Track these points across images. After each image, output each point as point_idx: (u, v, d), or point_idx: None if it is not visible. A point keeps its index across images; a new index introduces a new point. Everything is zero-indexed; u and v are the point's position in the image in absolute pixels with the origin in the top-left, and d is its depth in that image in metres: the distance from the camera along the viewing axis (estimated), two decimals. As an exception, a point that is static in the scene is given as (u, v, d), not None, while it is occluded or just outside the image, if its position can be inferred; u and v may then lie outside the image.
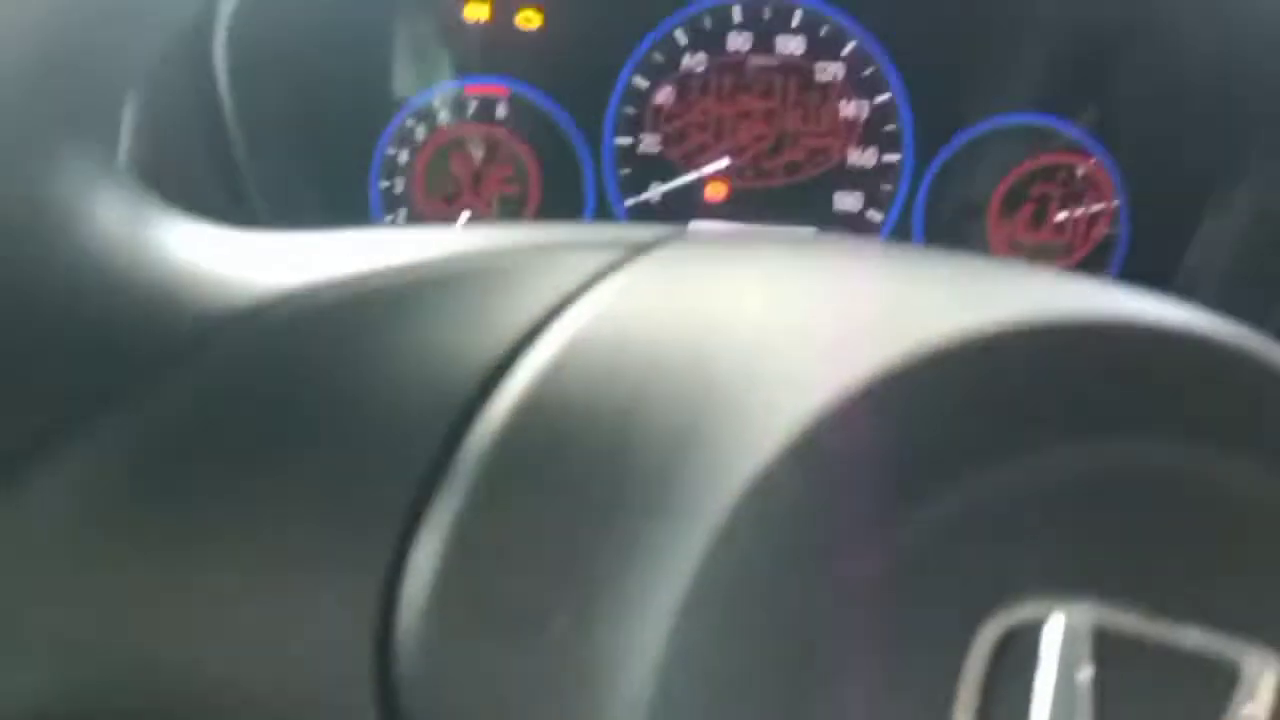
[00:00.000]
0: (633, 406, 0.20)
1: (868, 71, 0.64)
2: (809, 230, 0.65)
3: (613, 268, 0.24)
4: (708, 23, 0.64)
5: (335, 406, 0.21)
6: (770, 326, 0.22)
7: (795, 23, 0.64)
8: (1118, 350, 0.19)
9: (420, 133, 0.64)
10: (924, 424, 0.19)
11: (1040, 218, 0.64)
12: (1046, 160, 0.64)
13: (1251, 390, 0.19)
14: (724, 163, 0.64)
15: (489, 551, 0.20)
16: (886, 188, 0.65)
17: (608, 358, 0.21)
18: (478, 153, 0.64)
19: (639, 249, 0.24)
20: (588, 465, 0.20)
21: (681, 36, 0.64)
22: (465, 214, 0.65)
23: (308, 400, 0.22)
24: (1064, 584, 0.18)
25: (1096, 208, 0.64)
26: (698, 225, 0.65)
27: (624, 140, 0.65)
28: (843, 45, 0.64)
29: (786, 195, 0.65)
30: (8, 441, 0.20)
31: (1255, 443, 0.19)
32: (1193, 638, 0.18)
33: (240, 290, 0.21)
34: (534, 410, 0.21)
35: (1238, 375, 0.19)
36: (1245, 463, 0.19)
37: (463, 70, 0.63)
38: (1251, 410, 0.19)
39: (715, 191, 0.65)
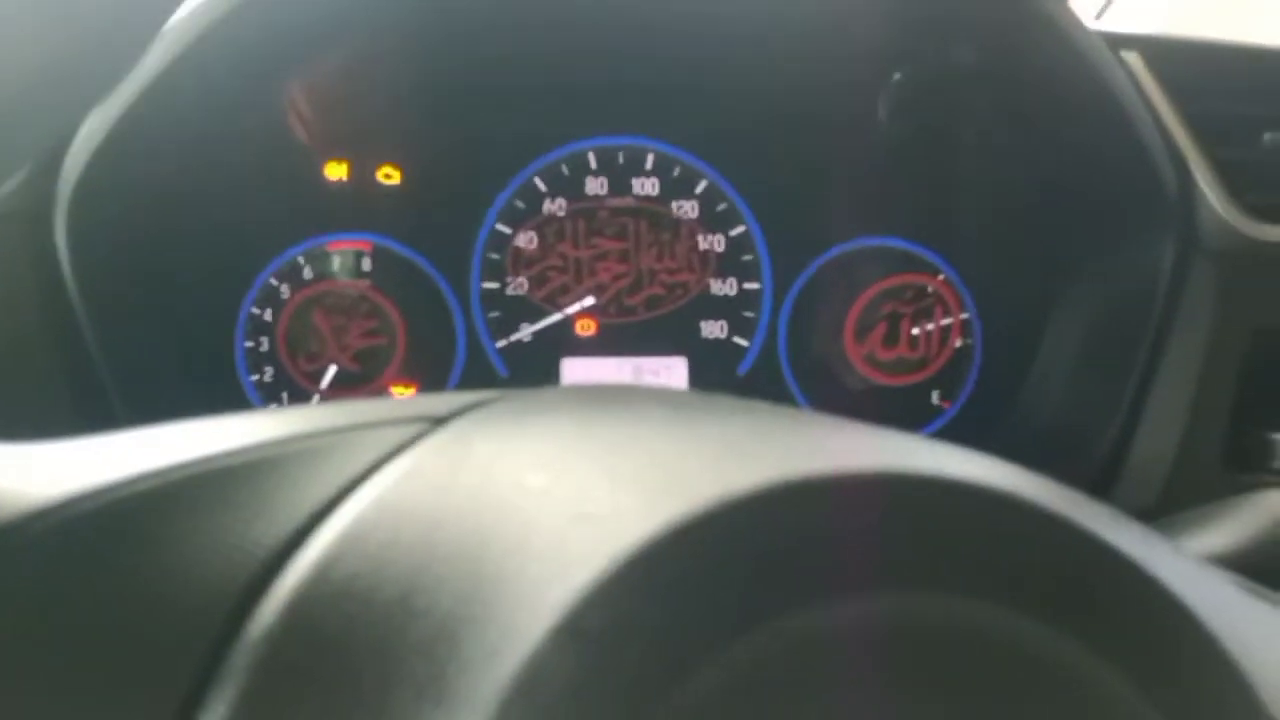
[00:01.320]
0: (406, 594, 0.20)
1: (721, 207, 0.67)
2: (677, 367, 0.66)
3: (400, 448, 0.24)
4: (565, 169, 0.66)
5: (102, 612, 0.21)
6: (546, 499, 0.22)
7: (649, 165, 0.67)
8: (874, 505, 0.20)
9: (284, 291, 0.64)
10: (680, 595, 0.19)
11: (894, 334, 0.67)
12: (896, 280, 0.67)
13: (1017, 540, 0.20)
14: (589, 301, 0.66)
15: None
16: (749, 314, 0.67)
17: (383, 546, 0.21)
18: (341, 308, 0.64)
19: (434, 422, 0.25)
20: (360, 658, 0.20)
21: (540, 183, 0.66)
22: (330, 369, 0.65)
23: (74, 609, 0.21)
24: None
25: (946, 321, 0.67)
26: (566, 371, 0.66)
27: (491, 285, 0.66)
28: (695, 184, 0.67)
29: (654, 326, 0.67)
30: None
31: (1020, 593, 0.20)
32: None
33: (8, 502, 0.21)
34: (307, 603, 0.21)
35: (1013, 529, 0.20)
36: (1015, 613, 0.20)
37: (325, 227, 0.64)
38: (1016, 560, 0.20)
39: (585, 328, 0.66)
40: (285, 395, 0.64)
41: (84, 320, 0.51)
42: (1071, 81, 0.55)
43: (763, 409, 0.28)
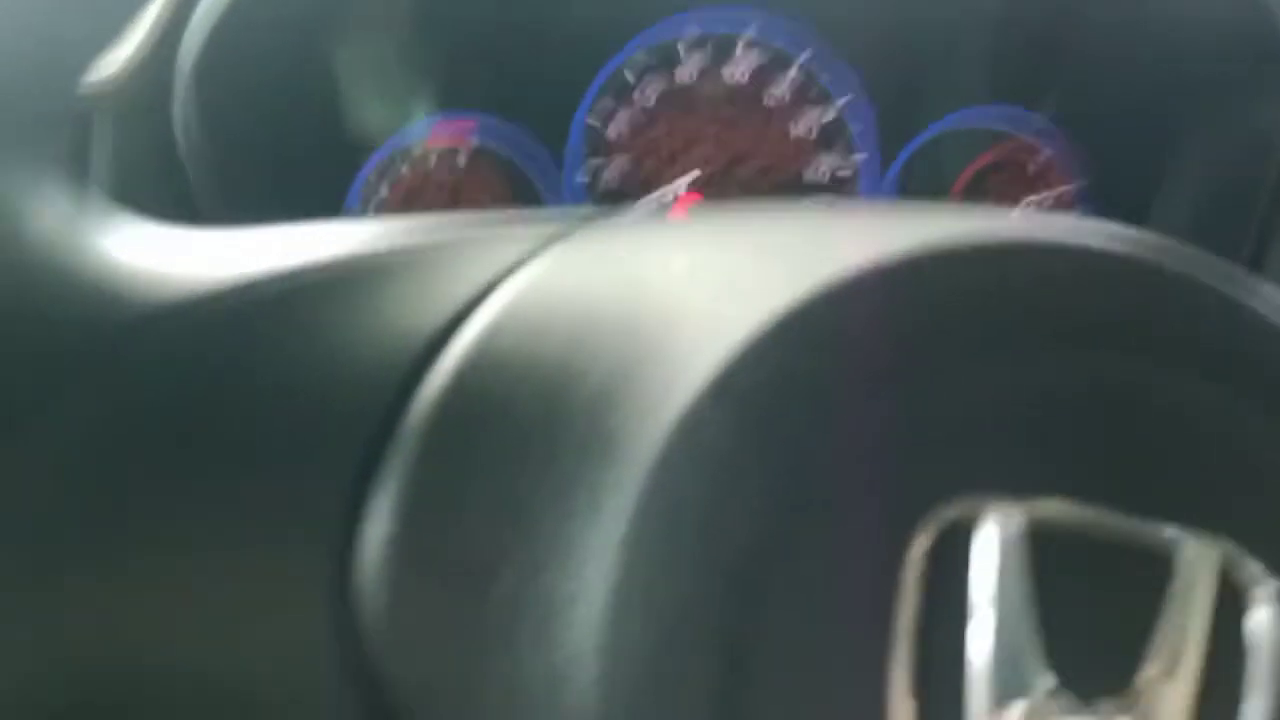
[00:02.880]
0: (566, 359, 0.21)
1: (825, 78, 0.65)
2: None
3: (550, 239, 0.25)
4: (660, 49, 0.65)
5: (277, 389, 0.22)
6: (693, 276, 0.23)
7: (750, 35, 0.65)
8: (1050, 268, 0.21)
9: (383, 189, 0.64)
10: (843, 347, 0.20)
11: (1004, 207, 0.65)
12: (1002, 152, 0.65)
13: (1190, 306, 0.21)
14: (684, 184, 0.65)
15: (437, 512, 0.21)
16: (853, 193, 0.66)
17: (539, 322, 0.23)
18: (446, 187, 0.65)
19: (569, 228, 0.26)
20: (525, 420, 0.21)
21: (636, 64, 0.65)
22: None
23: (249, 385, 0.23)
24: (997, 486, 0.19)
25: (1055, 191, 0.65)
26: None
27: (585, 174, 0.65)
28: (798, 55, 0.65)
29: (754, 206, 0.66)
30: None
31: (1191, 355, 0.20)
32: (1127, 527, 0.19)
33: (179, 285, 0.22)
34: (472, 372, 0.23)
35: (1178, 292, 0.21)
36: (1184, 375, 0.20)
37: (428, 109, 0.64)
38: (1189, 325, 0.20)
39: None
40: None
41: (199, 176, 0.52)
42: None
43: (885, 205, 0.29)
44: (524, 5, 0.62)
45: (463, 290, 0.23)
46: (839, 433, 0.19)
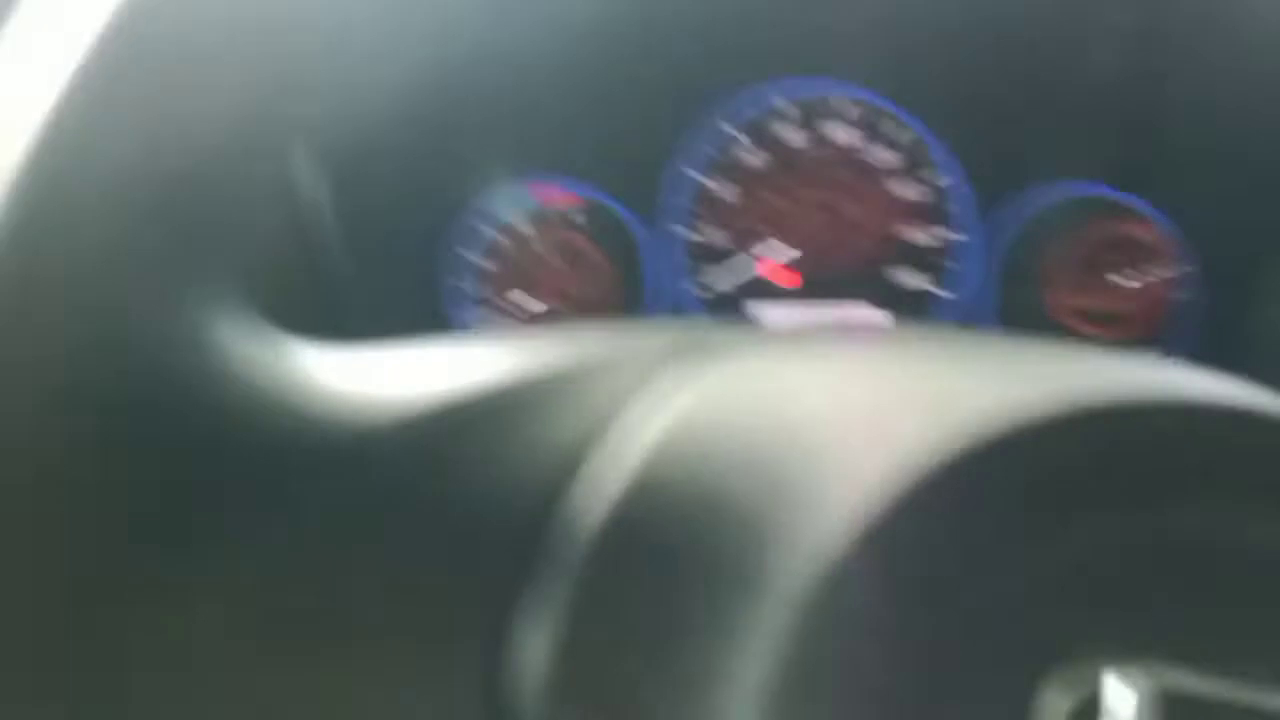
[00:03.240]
0: (714, 500, 0.22)
1: (924, 155, 0.66)
2: (877, 316, 0.66)
3: (683, 368, 0.25)
4: (761, 116, 0.66)
5: (440, 517, 0.23)
6: (830, 420, 0.23)
7: (847, 112, 0.66)
8: (1165, 426, 0.21)
9: (494, 234, 0.66)
10: (989, 505, 0.20)
11: (1105, 287, 0.65)
12: (1107, 230, 0.65)
13: None
14: (786, 251, 0.66)
15: (588, 640, 0.22)
16: (952, 266, 0.66)
17: (688, 454, 0.23)
18: (551, 253, 0.66)
19: (706, 347, 0.26)
20: (679, 558, 0.22)
21: (735, 130, 0.66)
22: (539, 310, 0.66)
23: (434, 503, 0.23)
24: (1129, 648, 0.20)
25: (1160, 274, 0.65)
26: (767, 315, 0.66)
27: (690, 235, 0.66)
28: (897, 132, 0.66)
29: (856, 279, 0.66)
30: (174, 567, 0.21)
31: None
32: (1258, 700, 0.19)
33: (382, 407, 0.23)
34: (627, 506, 0.23)
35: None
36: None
37: (529, 174, 0.66)
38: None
39: (783, 278, 0.66)
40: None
41: (327, 248, 0.54)
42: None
43: (1027, 342, 0.28)
44: (611, 73, 0.64)
45: (612, 410, 0.24)
46: (980, 590, 0.20)
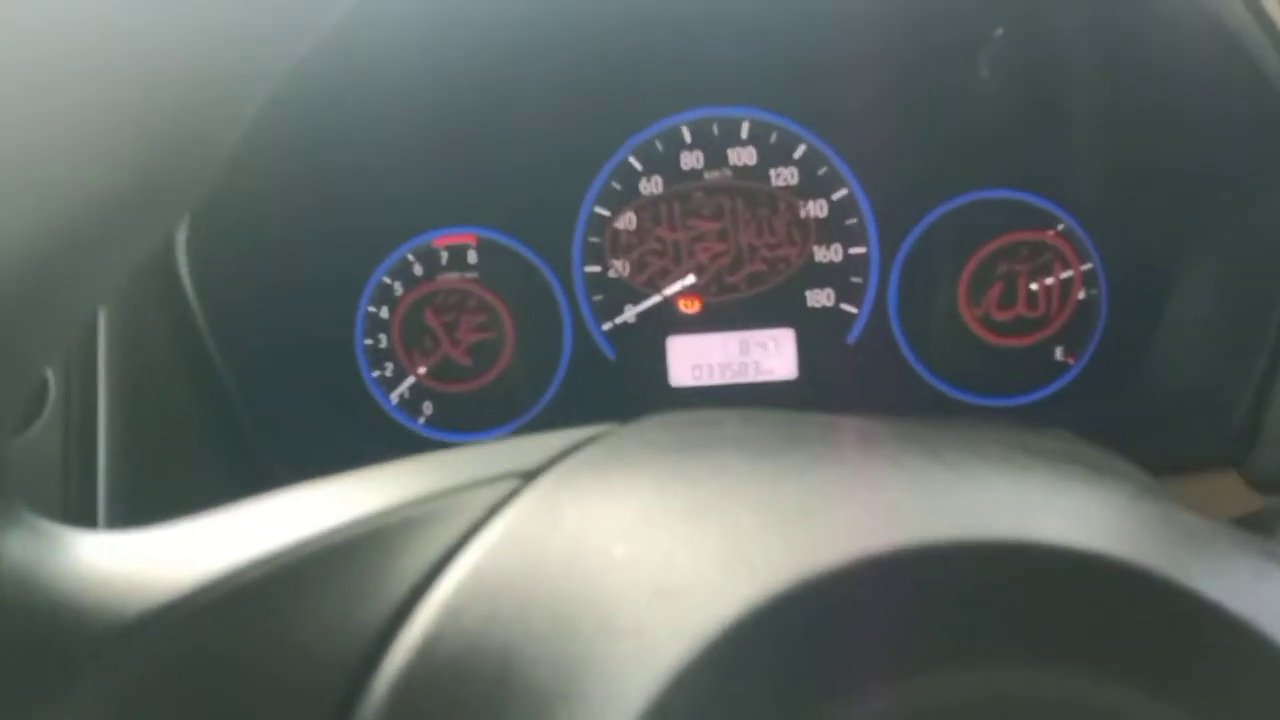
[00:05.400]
0: (503, 673, 0.22)
1: (821, 171, 0.65)
2: (785, 337, 0.66)
3: (492, 511, 0.25)
4: (660, 146, 0.66)
5: (226, 700, 0.23)
6: (630, 572, 0.23)
7: (744, 134, 0.65)
8: (1032, 572, 0.20)
9: (398, 288, 0.66)
10: (760, 672, 0.20)
11: (1012, 293, 0.64)
12: (1010, 236, 0.64)
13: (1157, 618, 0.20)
14: (690, 280, 0.66)
15: None
16: (856, 280, 0.65)
17: (480, 622, 0.22)
18: (450, 304, 0.66)
19: (524, 478, 0.26)
20: (474, 708, 0.21)
21: (636, 162, 0.66)
22: (439, 357, 0.67)
23: (210, 684, 0.23)
24: None
25: (1067, 274, 0.64)
26: (674, 350, 0.66)
27: (593, 269, 0.66)
28: (793, 150, 0.65)
29: (759, 299, 0.66)
30: None
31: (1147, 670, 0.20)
32: None
33: (135, 597, 0.23)
34: (413, 682, 0.22)
35: (1140, 601, 0.20)
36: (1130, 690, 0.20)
37: (431, 224, 0.66)
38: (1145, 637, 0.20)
39: (689, 306, 0.66)
40: (406, 390, 0.67)
41: (208, 334, 0.54)
42: (1191, 24, 0.50)
43: (848, 434, 0.27)
44: (517, 118, 0.63)
45: (407, 575, 0.23)
46: None
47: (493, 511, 0.25)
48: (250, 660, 0.23)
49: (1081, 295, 0.64)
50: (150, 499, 0.51)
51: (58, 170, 0.20)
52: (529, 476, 0.26)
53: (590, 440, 0.27)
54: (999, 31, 0.59)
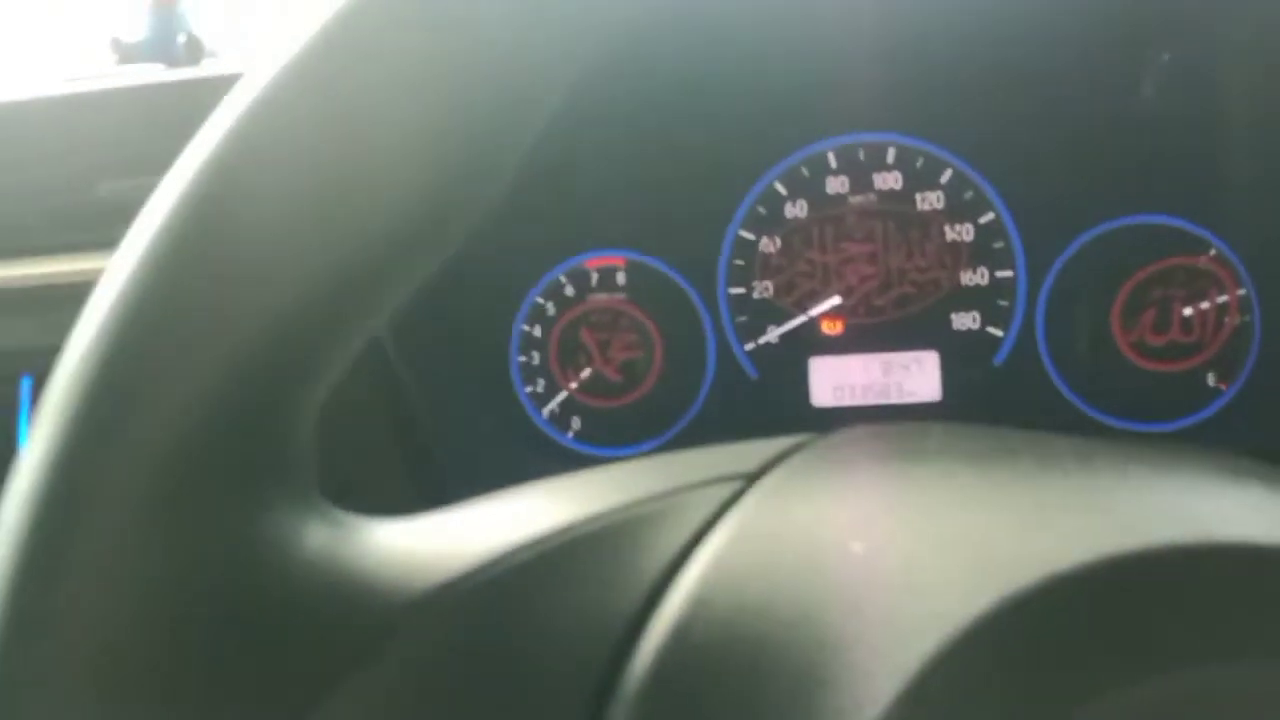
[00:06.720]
0: (756, 658, 0.22)
1: (968, 195, 0.66)
2: (930, 361, 0.66)
3: (724, 506, 0.26)
4: (805, 171, 0.67)
5: (497, 673, 0.24)
6: (872, 568, 0.24)
7: (890, 159, 0.66)
8: (1200, 574, 0.21)
9: (551, 308, 0.69)
10: (1015, 666, 0.20)
11: (1165, 318, 0.64)
12: (1165, 263, 0.64)
13: None
14: (835, 301, 0.67)
15: None
16: (1003, 303, 0.66)
17: (729, 610, 0.23)
18: (603, 323, 0.69)
19: (747, 479, 0.27)
20: (728, 698, 0.22)
21: (781, 187, 0.67)
22: (590, 374, 0.69)
23: (476, 670, 0.25)
24: None
25: (1221, 299, 0.63)
26: (819, 371, 0.67)
27: (737, 290, 0.68)
28: (940, 174, 0.66)
29: (903, 321, 0.67)
30: None
31: None
32: None
33: (419, 578, 0.25)
34: (670, 668, 0.23)
35: None
36: None
37: (583, 247, 0.68)
38: None
39: (832, 327, 0.67)
40: (556, 405, 0.69)
41: (390, 344, 0.57)
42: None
43: (1062, 448, 0.28)
44: (665, 148, 0.65)
45: (652, 566, 0.24)
46: None
47: (725, 507, 0.26)
48: (517, 638, 0.24)
49: (1236, 321, 0.63)
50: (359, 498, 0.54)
51: (376, 199, 0.22)
52: (751, 479, 0.27)
53: (799, 447, 0.28)
54: (1165, 56, 0.59)
